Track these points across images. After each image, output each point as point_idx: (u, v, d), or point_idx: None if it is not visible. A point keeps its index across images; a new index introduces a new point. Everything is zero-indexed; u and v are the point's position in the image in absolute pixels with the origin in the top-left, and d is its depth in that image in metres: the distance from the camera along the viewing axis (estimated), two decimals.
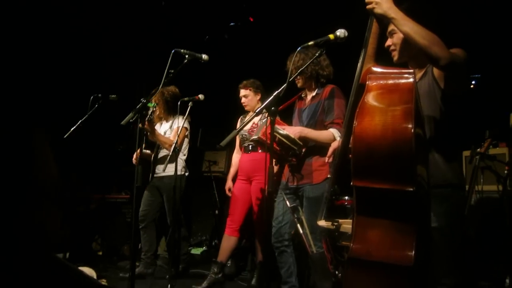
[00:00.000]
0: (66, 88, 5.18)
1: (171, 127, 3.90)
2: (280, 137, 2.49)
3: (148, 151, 3.91)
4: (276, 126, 2.53)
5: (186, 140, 3.96)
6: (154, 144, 3.87)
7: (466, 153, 3.27)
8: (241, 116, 3.75)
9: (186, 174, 3.90)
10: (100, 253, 4.86)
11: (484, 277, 3.08)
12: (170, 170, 3.65)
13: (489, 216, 3.30)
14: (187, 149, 4.00)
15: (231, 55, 5.23)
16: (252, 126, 3.44)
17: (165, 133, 3.88)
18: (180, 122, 3.79)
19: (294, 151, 2.55)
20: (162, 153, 3.88)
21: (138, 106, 2.31)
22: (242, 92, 3.60)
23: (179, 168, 3.77)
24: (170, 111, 3.91)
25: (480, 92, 3.64)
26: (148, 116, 3.54)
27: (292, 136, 2.53)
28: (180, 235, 3.86)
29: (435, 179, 1.75)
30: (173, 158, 3.67)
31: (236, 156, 3.76)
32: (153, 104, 3.64)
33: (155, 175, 3.86)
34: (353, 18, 2.39)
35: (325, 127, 2.70)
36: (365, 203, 1.54)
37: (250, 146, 3.53)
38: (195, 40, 5.24)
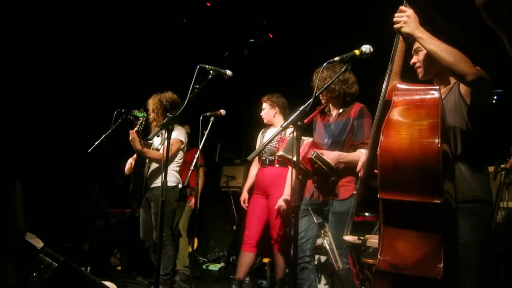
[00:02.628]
0: (90, 102, 5.31)
1: (163, 140, 3.60)
2: (320, 164, 2.48)
3: (140, 162, 3.68)
4: (316, 150, 2.51)
5: (181, 153, 3.74)
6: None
7: (490, 169, 3.22)
8: (262, 130, 3.80)
9: (180, 185, 3.68)
10: (119, 268, 4.88)
11: None
12: (160, 181, 3.35)
13: None
14: (180, 162, 3.76)
15: (250, 71, 5.30)
16: (278, 140, 3.46)
17: (160, 143, 3.69)
18: (177, 134, 3.60)
19: (329, 176, 2.55)
20: (154, 165, 3.66)
21: (164, 121, 2.35)
22: (263, 105, 3.72)
23: (171, 179, 3.58)
24: None
25: (503, 107, 3.61)
26: (137, 126, 3.46)
27: (332, 163, 2.52)
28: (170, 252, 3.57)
29: (462, 194, 1.75)
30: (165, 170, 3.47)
31: (254, 169, 3.79)
32: (142, 114, 3.56)
33: (147, 187, 3.65)
34: (374, 35, 2.42)
35: (353, 146, 2.70)
36: (392, 215, 1.54)
37: (268, 160, 3.55)
38: (215, 56, 5.34)
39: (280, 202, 3.31)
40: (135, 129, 3.46)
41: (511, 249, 3.09)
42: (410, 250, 1.48)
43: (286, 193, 3.34)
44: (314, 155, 2.46)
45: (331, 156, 2.55)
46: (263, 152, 3.55)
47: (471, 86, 1.69)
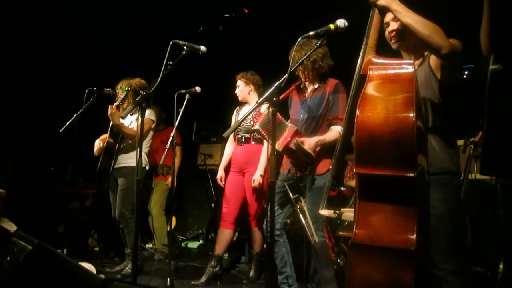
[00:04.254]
0: (61, 82, 5.14)
1: (137, 119, 3.62)
2: (300, 153, 2.46)
3: (112, 140, 3.69)
4: (298, 140, 2.49)
5: (151, 133, 3.79)
6: (119, 134, 3.65)
7: (460, 142, 3.32)
8: (237, 108, 3.77)
9: (147, 168, 3.74)
10: (97, 249, 4.85)
11: (478, 263, 3.15)
12: (129, 161, 3.59)
13: (483, 203, 3.37)
14: (150, 142, 3.82)
15: (225, 47, 5.20)
16: (254, 116, 3.43)
17: (130, 124, 3.72)
18: (148, 114, 3.62)
19: (307, 164, 2.56)
20: (124, 145, 3.68)
21: (137, 99, 2.30)
22: (237, 82, 3.66)
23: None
24: None
25: (474, 82, 3.69)
26: (119, 101, 3.47)
27: (311, 152, 2.51)
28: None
29: (433, 166, 1.80)
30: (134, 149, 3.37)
31: (230, 147, 3.77)
32: (126, 89, 3.56)
33: (115, 167, 3.66)
34: (351, 9, 2.41)
35: (328, 121, 2.71)
36: (368, 189, 1.58)
37: (243, 137, 3.55)
38: (189, 31, 5.21)
39: (255, 176, 3.34)
40: (115, 103, 3.43)
41: (477, 219, 3.23)
42: (385, 223, 1.52)
43: (261, 168, 3.37)
44: (295, 145, 2.45)
45: (311, 144, 2.54)
46: (238, 130, 3.54)
47: (445, 59, 1.71)
